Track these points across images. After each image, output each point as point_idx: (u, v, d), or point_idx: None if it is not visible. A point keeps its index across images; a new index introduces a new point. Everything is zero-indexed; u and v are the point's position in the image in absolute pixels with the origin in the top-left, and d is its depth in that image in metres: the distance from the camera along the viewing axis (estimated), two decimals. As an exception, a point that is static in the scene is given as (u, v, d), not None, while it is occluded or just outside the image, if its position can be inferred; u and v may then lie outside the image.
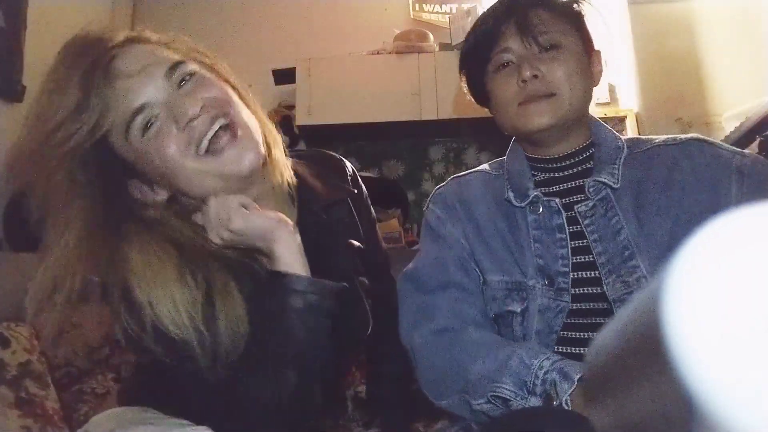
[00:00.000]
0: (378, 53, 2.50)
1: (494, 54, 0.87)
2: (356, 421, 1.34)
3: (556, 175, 0.89)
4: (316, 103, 2.38)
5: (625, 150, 0.86)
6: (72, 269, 0.69)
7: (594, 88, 0.89)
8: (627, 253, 0.78)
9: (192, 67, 0.76)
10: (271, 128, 0.87)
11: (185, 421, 0.77)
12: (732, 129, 1.95)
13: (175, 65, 0.75)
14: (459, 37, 2.42)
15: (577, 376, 0.65)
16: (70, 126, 0.68)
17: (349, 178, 1.00)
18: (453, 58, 2.42)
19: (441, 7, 2.76)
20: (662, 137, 0.89)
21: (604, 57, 0.92)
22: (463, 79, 0.98)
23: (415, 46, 2.47)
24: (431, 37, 2.53)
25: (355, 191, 0.99)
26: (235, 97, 0.79)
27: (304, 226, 0.85)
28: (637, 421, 0.26)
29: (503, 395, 0.70)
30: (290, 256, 0.76)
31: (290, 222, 0.79)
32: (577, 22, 0.88)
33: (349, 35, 2.70)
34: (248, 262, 0.80)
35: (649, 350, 0.22)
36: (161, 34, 0.81)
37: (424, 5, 2.78)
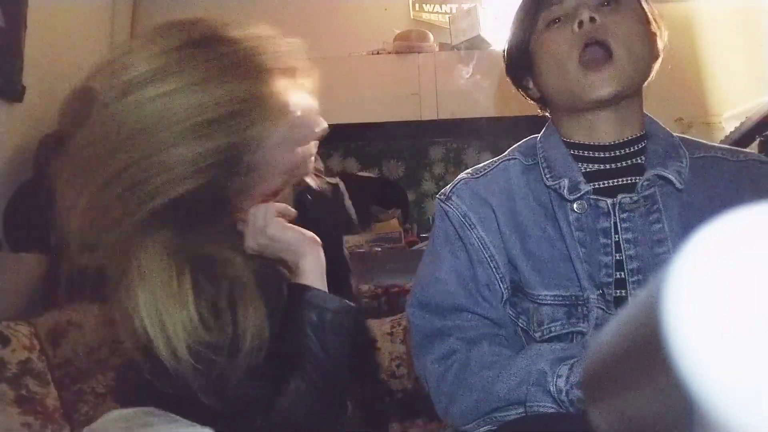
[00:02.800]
0: (378, 53, 2.50)
1: (546, 7, 0.78)
2: (356, 420, 1.34)
3: (606, 167, 0.77)
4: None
5: (685, 149, 0.76)
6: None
7: (656, 61, 0.80)
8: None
9: None
10: None
11: (188, 422, 0.77)
12: (732, 129, 1.95)
13: None
14: (459, 37, 2.42)
15: None
16: None
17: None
18: (453, 58, 2.45)
19: (441, 7, 2.75)
20: (717, 146, 0.80)
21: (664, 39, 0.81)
22: (506, 50, 0.88)
23: (415, 46, 2.46)
24: (431, 37, 2.53)
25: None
26: None
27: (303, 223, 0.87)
28: (637, 421, 0.26)
29: (543, 411, 0.66)
30: (314, 273, 0.79)
31: (320, 242, 0.82)
32: None
33: (349, 35, 2.70)
34: (272, 272, 0.82)
35: (649, 350, 0.22)
36: None
37: (424, 5, 2.78)
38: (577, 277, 0.73)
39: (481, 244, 0.77)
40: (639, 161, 0.77)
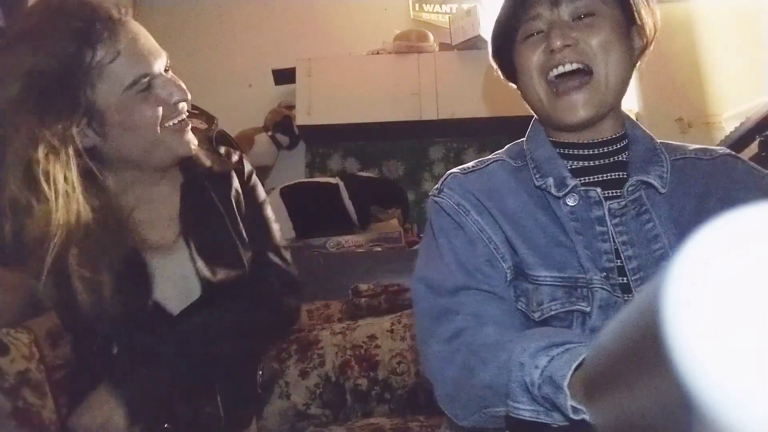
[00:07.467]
0: (378, 53, 2.50)
1: (523, 22, 0.80)
2: (356, 413, 1.35)
3: (591, 163, 0.81)
4: (316, 103, 2.38)
5: (665, 153, 0.79)
6: None
7: (634, 68, 0.81)
8: (665, 263, 0.66)
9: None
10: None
11: None
12: (732, 129, 1.94)
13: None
14: (459, 37, 2.42)
15: (566, 382, 0.53)
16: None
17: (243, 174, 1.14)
18: (453, 58, 2.45)
19: (441, 7, 2.76)
20: (692, 147, 0.83)
21: (650, 31, 0.81)
22: (493, 56, 0.90)
23: (415, 46, 2.47)
24: (431, 37, 2.53)
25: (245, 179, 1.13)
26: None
27: (187, 190, 1.03)
28: (637, 420, 0.26)
29: (523, 417, 0.59)
30: None
31: None
32: None
33: (349, 35, 2.70)
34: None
35: (649, 349, 0.22)
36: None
37: (424, 5, 2.78)
38: (578, 259, 0.74)
39: (478, 227, 0.79)
40: (622, 158, 0.80)
